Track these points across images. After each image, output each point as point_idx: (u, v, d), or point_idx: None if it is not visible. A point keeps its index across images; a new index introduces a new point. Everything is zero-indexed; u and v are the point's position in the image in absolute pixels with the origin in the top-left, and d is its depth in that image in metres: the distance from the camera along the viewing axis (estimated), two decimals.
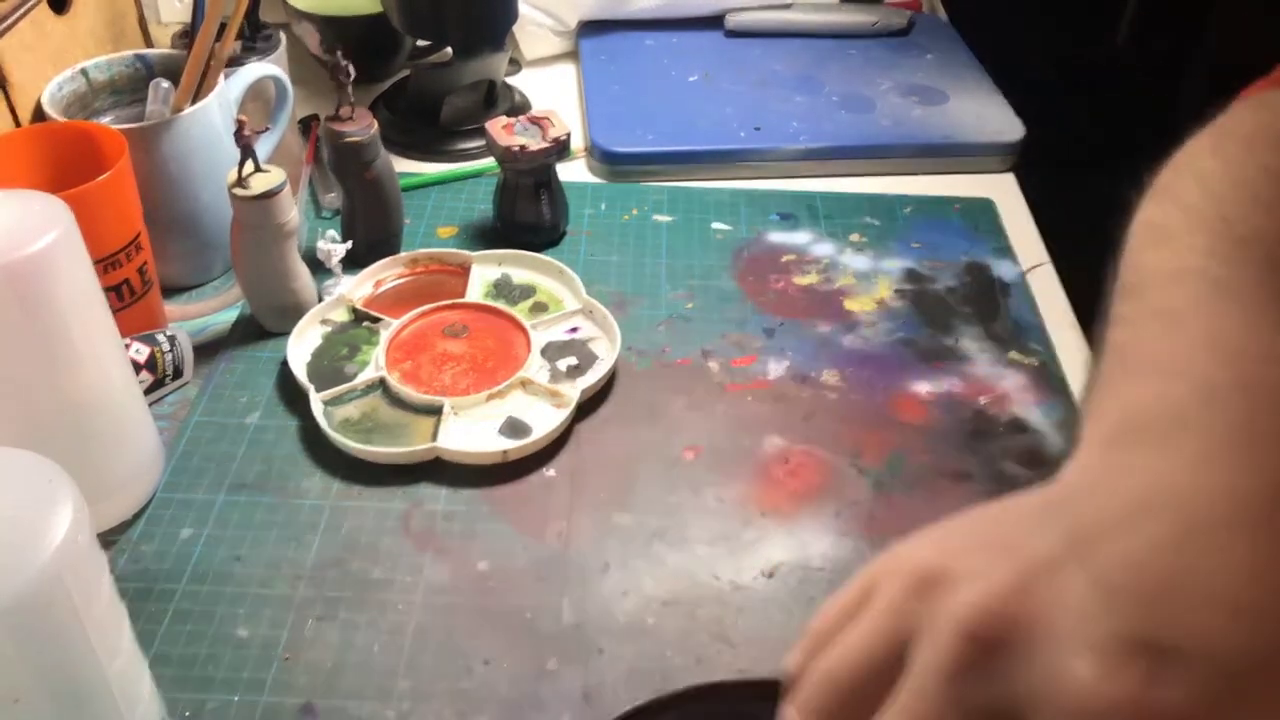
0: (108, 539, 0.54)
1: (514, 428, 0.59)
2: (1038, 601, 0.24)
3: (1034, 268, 0.74)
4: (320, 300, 0.67)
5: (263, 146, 0.73)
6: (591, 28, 0.99)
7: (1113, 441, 0.28)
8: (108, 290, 0.58)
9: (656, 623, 0.51)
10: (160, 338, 0.61)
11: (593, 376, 0.62)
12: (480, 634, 0.50)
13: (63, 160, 0.60)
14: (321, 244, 0.68)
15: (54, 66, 0.68)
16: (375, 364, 0.63)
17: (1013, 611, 0.24)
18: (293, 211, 0.63)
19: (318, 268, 0.68)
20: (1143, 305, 0.31)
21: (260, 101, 0.76)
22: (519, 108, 0.90)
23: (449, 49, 0.83)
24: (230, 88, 0.69)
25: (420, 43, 0.88)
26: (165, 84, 0.68)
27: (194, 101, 0.66)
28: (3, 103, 0.64)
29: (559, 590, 0.52)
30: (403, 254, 0.71)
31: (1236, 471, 0.24)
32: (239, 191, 0.60)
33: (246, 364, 0.64)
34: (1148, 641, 0.22)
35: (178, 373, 0.62)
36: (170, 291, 0.69)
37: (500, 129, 0.71)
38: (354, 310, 0.67)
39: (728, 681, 0.42)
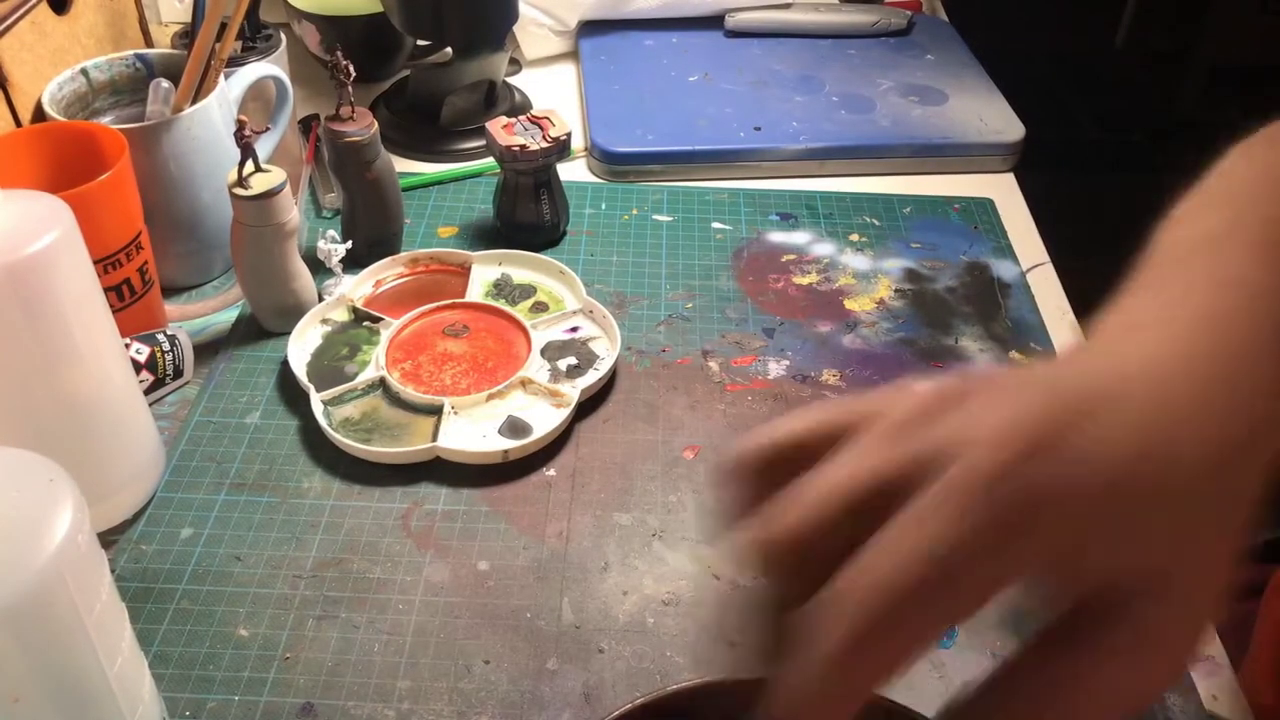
0: (108, 539, 0.54)
1: (514, 428, 0.59)
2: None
3: (1034, 267, 0.74)
4: (320, 300, 0.67)
5: (263, 146, 0.73)
6: (591, 28, 0.99)
7: (1097, 338, 0.29)
8: (108, 290, 0.58)
9: (656, 622, 0.51)
10: (160, 337, 0.61)
11: (593, 376, 0.62)
12: (480, 634, 0.50)
13: (63, 160, 0.60)
14: (321, 244, 0.68)
15: (54, 66, 0.68)
16: (375, 364, 0.63)
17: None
18: (293, 211, 0.63)
19: (318, 267, 0.68)
20: (1150, 267, 0.33)
21: (260, 101, 0.76)
22: (519, 108, 0.90)
23: (449, 49, 0.83)
24: (230, 88, 0.69)
25: (420, 43, 0.88)
26: (165, 84, 0.68)
27: (194, 101, 0.66)
28: (3, 103, 0.64)
29: (559, 590, 0.52)
30: (403, 254, 0.71)
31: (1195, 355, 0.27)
32: (239, 191, 0.60)
33: (247, 364, 0.64)
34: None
35: (178, 373, 0.62)
36: (170, 291, 0.70)
37: (500, 129, 0.71)
38: (354, 310, 0.67)
39: (725, 680, 0.42)
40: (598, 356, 0.64)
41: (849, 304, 0.70)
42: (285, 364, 0.63)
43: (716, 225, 0.78)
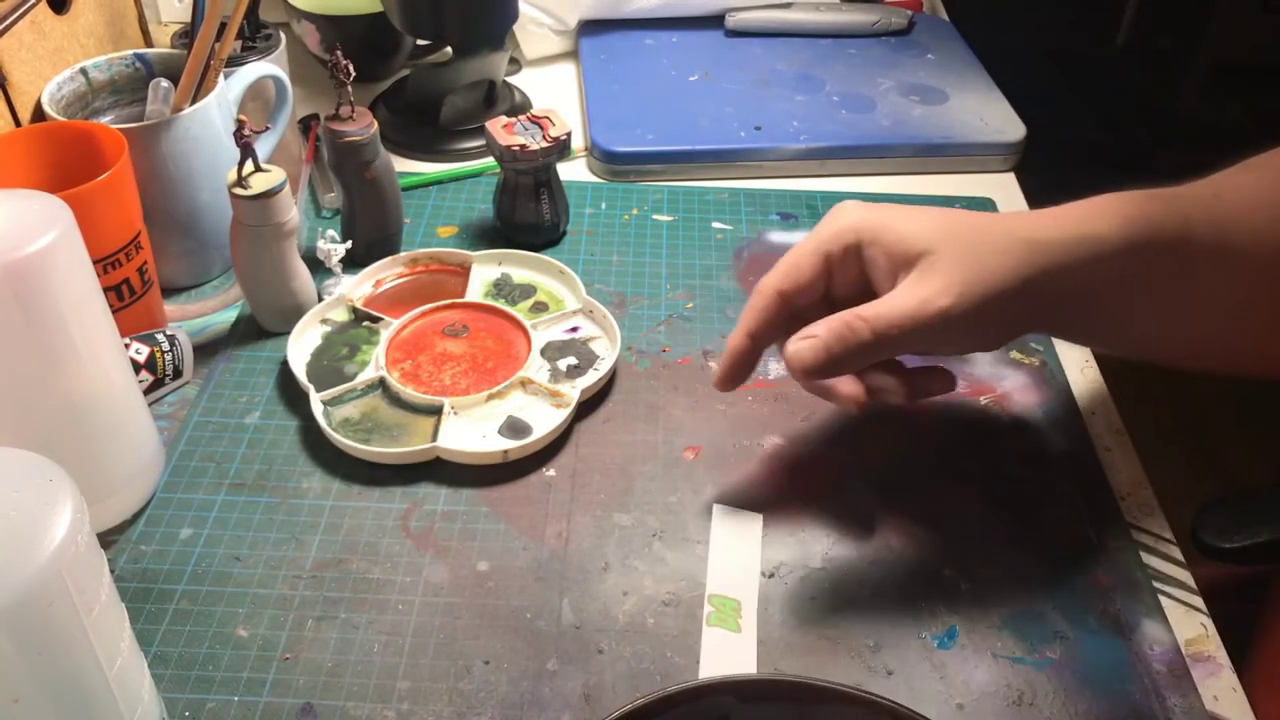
0: (107, 539, 0.54)
1: (514, 428, 0.59)
2: None
3: None
4: (320, 300, 0.67)
5: (262, 146, 0.73)
6: (591, 27, 0.99)
7: None
8: (107, 290, 0.58)
9: (656, 623, 0.51)
10: (160, 337, 0.61)
11: (593, 376, 0.62)
12: (480, 634, 0.50)
13: (62, 160, 0.60)
14: (321, 244, 0.68)
15: (53, 66, 0.68)
16: (375, 364, 0.63)
17: None
18: (292, 211, 0.63)
19: (317, 267, 0.68)
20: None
21: (260, 101, 0.76)
22: (519, 107, 0.90)
23: (449, 48, 0.83)
24: (230, 87, 0.69)
25: (420, 42, 0.88)
26: (165, 83, 0.68)
27: (194, 101, 0.66)
28: (2, 102, 0.64)
29: (559, 590, 0.52)
30: (402, 254, 0.71)
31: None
32: (239, 191, 0.60)
33: (246, 364, 0.64)
34: None
35: (177, 372, 0.62)
36: (170, 291, 0.69)
37: (500, 128, 0.71)
38: (354, 310, 0.67)
39: (726, 680, 0.42)
40: (598, 356, 0.64)
41: None
42: (285, 364, 0.63)
43: (717, 225, 0.78)
